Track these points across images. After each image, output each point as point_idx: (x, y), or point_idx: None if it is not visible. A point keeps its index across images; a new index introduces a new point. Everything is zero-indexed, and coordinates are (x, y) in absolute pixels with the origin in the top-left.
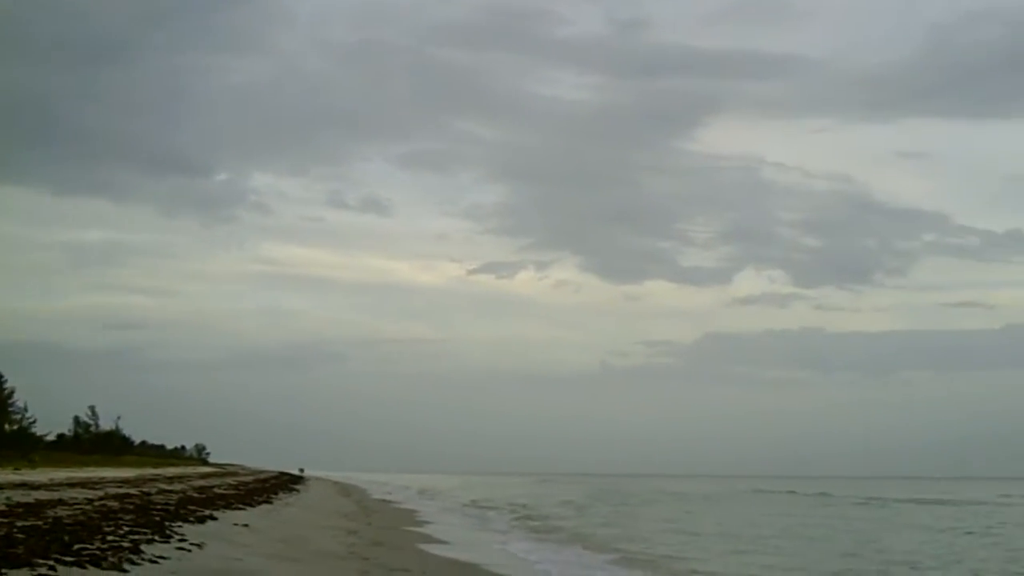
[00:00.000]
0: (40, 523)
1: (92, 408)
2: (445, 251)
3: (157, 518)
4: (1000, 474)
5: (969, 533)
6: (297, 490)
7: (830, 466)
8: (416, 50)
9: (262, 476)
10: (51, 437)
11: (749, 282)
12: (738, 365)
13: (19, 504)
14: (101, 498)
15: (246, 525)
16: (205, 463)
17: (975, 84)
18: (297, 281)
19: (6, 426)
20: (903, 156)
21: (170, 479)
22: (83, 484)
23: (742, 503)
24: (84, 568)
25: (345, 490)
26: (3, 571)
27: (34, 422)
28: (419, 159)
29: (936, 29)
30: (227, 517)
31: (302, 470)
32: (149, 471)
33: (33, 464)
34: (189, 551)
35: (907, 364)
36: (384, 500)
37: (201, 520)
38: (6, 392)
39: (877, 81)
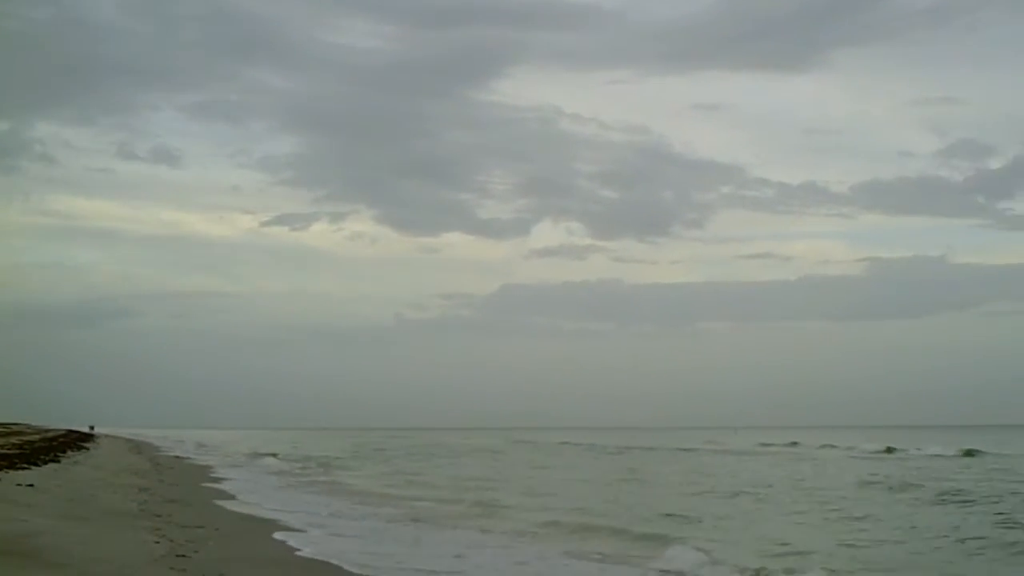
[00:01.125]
0: None
1: None
2: (238, 203)
3: None
4: (794, 423)
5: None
6: (87, 448)
7: (633, 417)
8: None
9: (49, 435)
10: None
11: (547, 234)
12: (537, 317)
13: None
14: None
15: (31, 485)
16: None
17: (771, 37)
18: (85, 234)
19: None
20: (700, 108)
21: None
22: None
23: (509, 454)
24: None
25: (137, 447)
26: None
27: None
28: (211, 109)
29: None
30: (10, 477)
31: (92, 428)
32: None
33: None
34: None
35: (704, 315)
36: (178, 457)
37: None
38: None
39: (673, 33)
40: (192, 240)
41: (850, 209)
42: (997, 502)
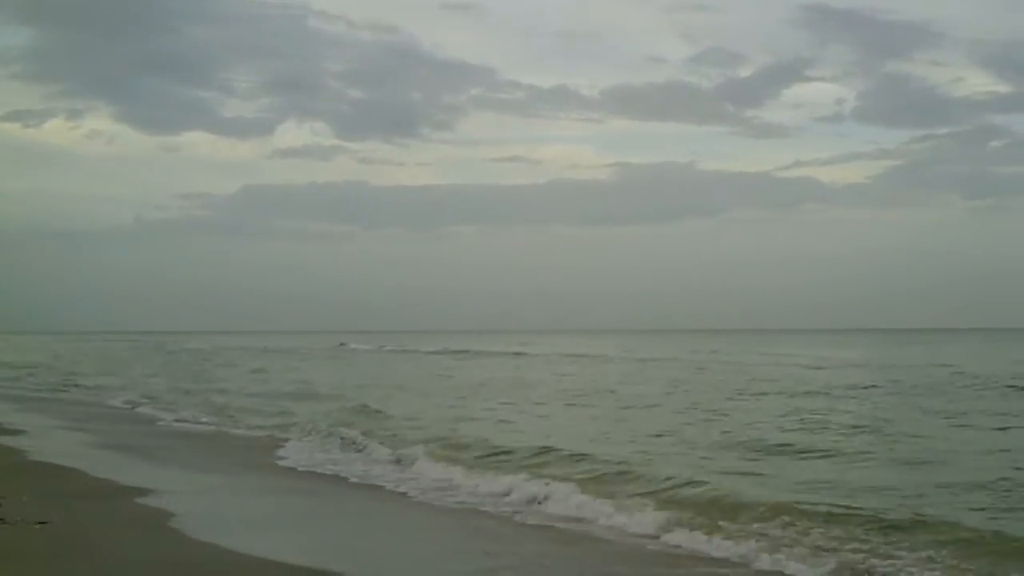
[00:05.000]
0: None
1: None
2: None
3: None
4: (552, 327)
5: None
6: None
7: (382, 320)
8: None
9: None
10: None
11: (292, 134)
12: (282, 219)
13: None
14: None
15: None
16: None
17: None
18: None
19: None
20: (450, 8)
21: None
22: None
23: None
24: None
25: None
26: None
27: None
28: None
29: None
30: None
31: None
32: None
33: None
34: None
35: (453, 218)
36: None
37: None
38: None
39: None
40: None
41: (600, 114)
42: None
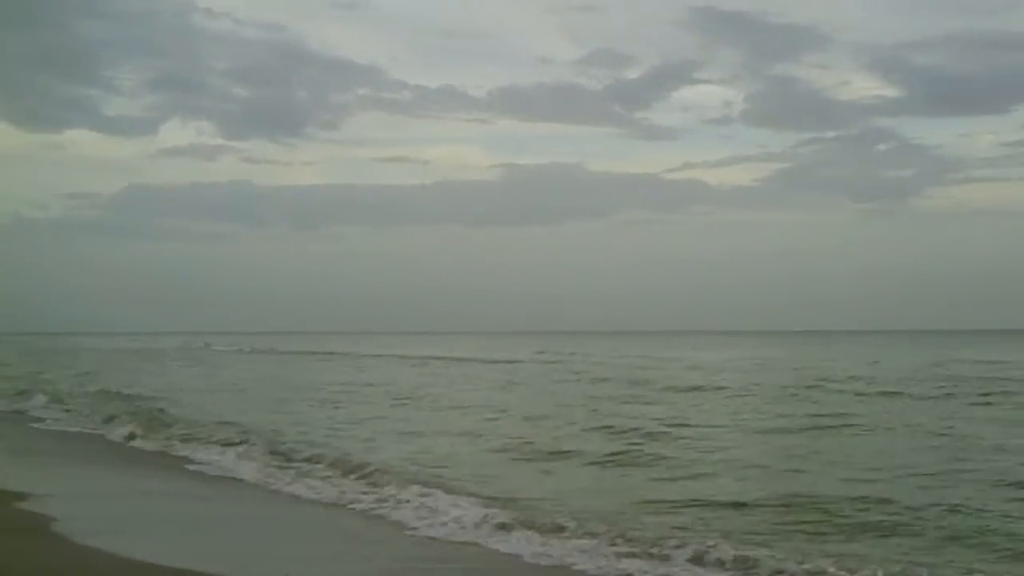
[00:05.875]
0: None
1: None
2: None
3: None
4: (440, 329)
5: None
6: None
7: (262, 321)
8: None
9: None
10: None
11: (177, 133)
12: (166, 218)
13: None
14: None
15: None
16: None
17: None
18: None
19: None
20: (337, 6)
21: None
22: None
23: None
24: None
25: None
26: None
27: None
28: None
29: None
30: None
31: None
32: None
33: None
34: None
35: (339, 218)
36: None
37: None
38: None
39: None
40: None
41: (488, 114)
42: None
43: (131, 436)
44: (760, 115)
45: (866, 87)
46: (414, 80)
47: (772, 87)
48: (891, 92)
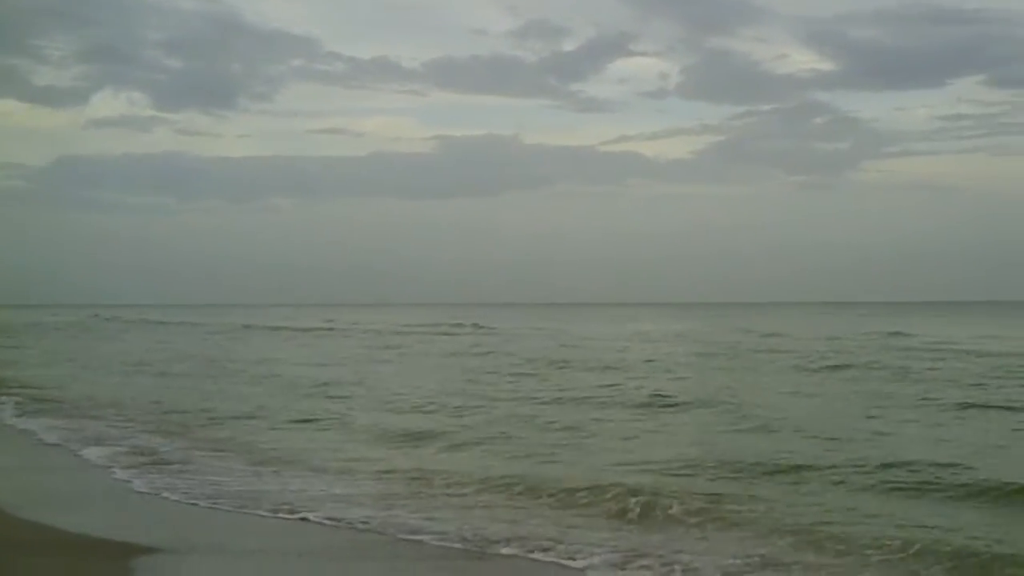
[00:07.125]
0: None
1: None
2: None
3: None
4: (372, 300)
5: None
6: None
7: (197, 295)
8: None
9: None
10: None
11: (108, 104)
12: (97, 190)
13: None
14: None
15: None
16: None
17: None
18: None
19: None
20: None
21: None
22: None
23: None
24: None
25: None
26: None
27: None
28: None
29: None
30: None
31: None
32: None
33: None
34: None
35: (272, 190)
36: None
37: None
38: None
39: None
40: None
41: (423, 86)
42: None
43: None
44: (696, 88)
45: (802, 60)
46: (348, 52)
47: (708, 60)
48: (827, 65)
